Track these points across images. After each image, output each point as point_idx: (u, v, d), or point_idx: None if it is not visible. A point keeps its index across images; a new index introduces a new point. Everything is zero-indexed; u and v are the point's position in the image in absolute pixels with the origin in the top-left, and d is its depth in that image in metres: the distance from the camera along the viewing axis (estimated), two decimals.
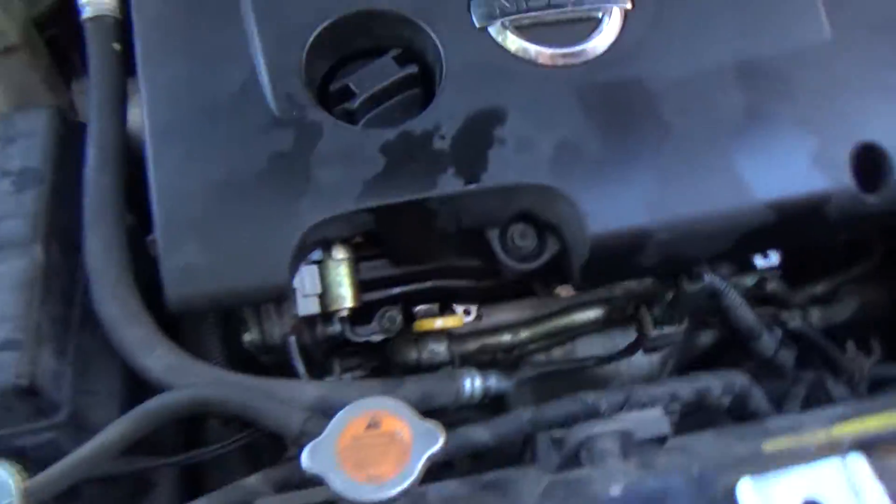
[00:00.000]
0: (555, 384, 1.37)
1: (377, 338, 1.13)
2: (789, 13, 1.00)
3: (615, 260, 0.93)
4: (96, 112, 0.97)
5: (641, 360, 1.37)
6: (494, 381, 1.08)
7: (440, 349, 1.21)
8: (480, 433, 0.88)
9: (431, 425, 0.69)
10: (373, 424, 0.68)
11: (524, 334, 1.22)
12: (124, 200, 0.92)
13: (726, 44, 0.97)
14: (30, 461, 0.89)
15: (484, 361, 1.28)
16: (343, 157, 0.90)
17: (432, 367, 1.22)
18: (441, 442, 0.68)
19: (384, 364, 1.33)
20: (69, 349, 0.90)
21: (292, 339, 0.95)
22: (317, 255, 0.96)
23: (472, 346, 1.22)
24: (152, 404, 0.76)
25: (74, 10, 1.12)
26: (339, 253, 0.97)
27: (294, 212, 0.88)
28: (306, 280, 0.94)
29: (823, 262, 1.24)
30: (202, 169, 0.89)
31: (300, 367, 0.94)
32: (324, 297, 0.96)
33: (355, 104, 0.96)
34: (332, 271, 0.96)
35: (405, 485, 0.64)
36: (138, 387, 1.07)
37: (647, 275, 1.02)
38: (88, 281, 0.86)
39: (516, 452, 0.95)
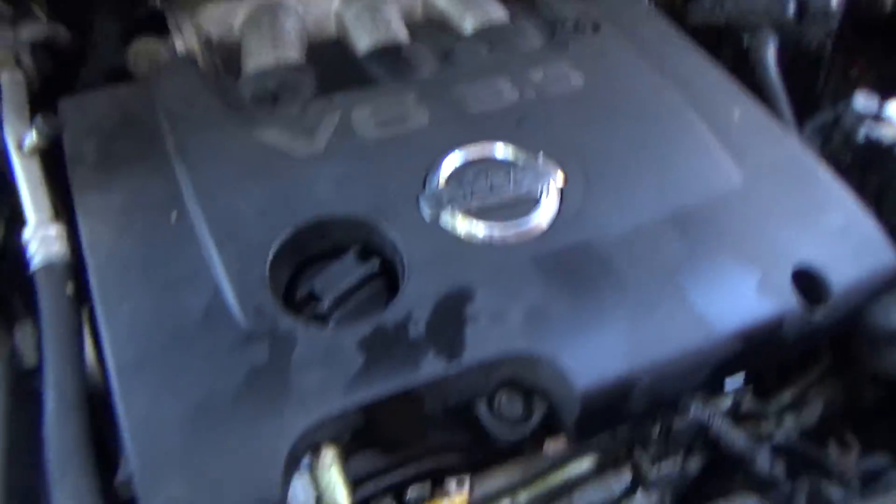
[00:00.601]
0: None
1: None
2: (703, 166, 1.12)
3: (606, 410, 0.93)
4: (54, 358, 0.93)
5: (641, 501, 1.33)
6: None
7: None
8: None
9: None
10: None
11: (522, 497, 1.18)
12: (93, 450, 0.87)
13: (654, 200, 1.08)
14: None
15: None
16: (321, 360, 0.90)
17: None
18: None
19: None
20: None
21: None
22: (306, 462, 0.92)
23: None
24: None
25: (12, 256, 1.12)
26: (328, 455, 0.93)
27: (279, 424, 0.85)
28: (299, 492, 0.88)
29: (777, 370, 1.29)
30: (176, 398, 0.86)
31: None
32: (319, 501, 0.90)
33: (324, 307, 0.97)
34: (323, 476, 0.91)
35: None
36: None
37: (638, 418, 1.02)
38: None
39: None
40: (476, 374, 0.92)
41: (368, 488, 1.02)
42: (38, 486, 0.86)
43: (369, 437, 0.95)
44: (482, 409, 0.95)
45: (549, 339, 0.94)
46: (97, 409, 0.91)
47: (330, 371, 0.89)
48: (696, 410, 1.01)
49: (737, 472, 1.21)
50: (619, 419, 1.00)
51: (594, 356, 0.93)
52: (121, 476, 0.88)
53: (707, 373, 0.99)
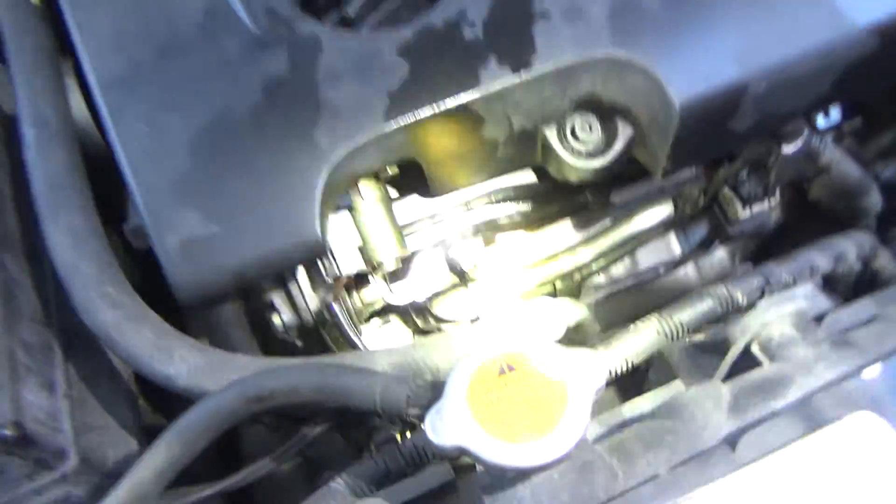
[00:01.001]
0: (620, 305, 1.23)
1: (420, 295, 0.96)
2: None
3: (706, 130, 0.76)
4: (24, 81, 0.75)
5: (711, 259, 1.22)
6: (573, 308, 0.92)
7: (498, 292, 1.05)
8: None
9: (584, 354, 0.53)
10: (506, 370, 0.50)
11: (586, 254, 1.06)
12: (85, 177, 0.72)
13: None
14: None
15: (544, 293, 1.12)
16: (355, 70, 0.71)
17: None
18: (603, 371, 0.51)
19: (425, 331, 1.17)
20: (57, 379, 0.71)
21: (335, 306, 0.77)
22: (345, 199, 0.78)
23: (531, 279, 1.06)
24: (196, 415, 0.58)
25: None
26: (372, 191, 0.78)
27: (312, 148, 0.69)
28: (340, 231, 0.75)
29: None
30: (179, 118, 0.69)
31: (354, 335, 0.76)
32: (364, 249, 0.78)
33: (353, 8, 0.76)
34: (367, 216, 0.78)
35: (576, 433, 0.47)
36: (157, 407, 0.89)
37: (740, 144, 0.85)
38: (63, 286, 0.66)
39: None
40: (548, 86, 0.74)
41: (417, 238, 0.90)
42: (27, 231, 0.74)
43: (413, 174, 0.80)
44: (552, 136, 0.78)
45: (641, 39, 0.73)
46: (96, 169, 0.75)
47: (368, 84, 0.71)
48: (809, 136, 0.84)
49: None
50: (721, 143, 0.82)
51: (697, 61, 0.73)
52: (131, 221, 0.74)
53: (831, 83, 0.79)
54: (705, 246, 1.07)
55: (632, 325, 0.72)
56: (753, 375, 0.58)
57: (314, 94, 0.70)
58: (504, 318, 0.79)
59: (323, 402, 0.59)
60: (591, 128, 0.78)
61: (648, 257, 1.20)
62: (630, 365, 0.70)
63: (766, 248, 1.26)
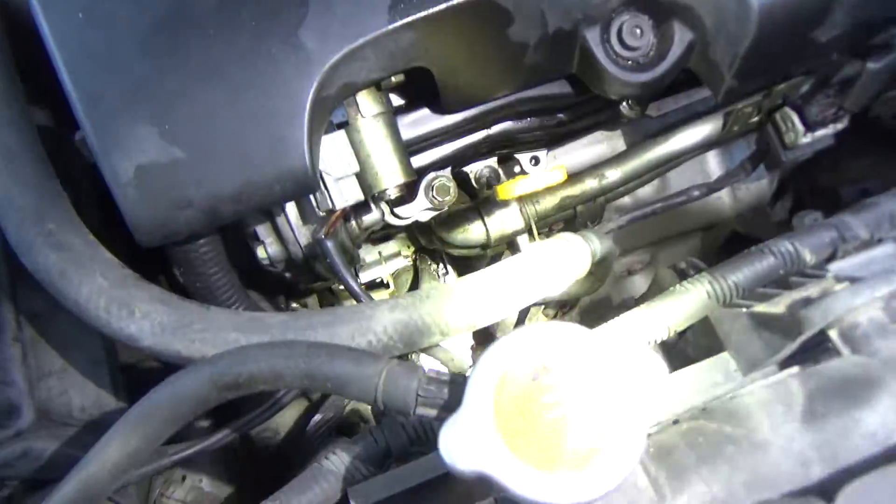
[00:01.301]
0: (645, 230, 1.12)
1: (426, 216, 0.84)
2: None
3: (786, 40, 0.62)
4: None
5: (750, 187, 1.10)
6: (598, 244, 0.80)
7: (513, 217, 0.93)
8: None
9: (642, 354, 0.41)
10: (540, 374, 0.39)
11: (613, 176, 0.93)
12: (16, 76, 0.58)
13: None
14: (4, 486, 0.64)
15: (563, 219, 1.00)
16: None
17: (501, 243, 0.94)
18: (662, 377, 0.40)
19: (429, 249, 1.06)
20: (5, 320, 0.61)
21: (329, 242, 0.65)
22: (338, 116, 0.65)
23: (549, 203, 0.94)
24: (156, 402, 0.47)
25: None
26: (372, 105, 0.65)
27: (297, 51, 0.54)
28: (334, 155, 0.62)
29: None
30: (127, 5, 0.54)
31: (350, 280, 0.65)
32: (362, 175, 0.65)
33: None
34: (366, 135, 0.65)
35: (628, 463, 0.37)
36: None
37: (822, 58, 0.70)
38: None
39: None
40: None
41: (422, 158, 0.77)
42: None
43: (422, 84, 0.66)
44: (594, 39, 0.63)
45: None
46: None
47: None
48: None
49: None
50: (796, 59, 0.67)
51: None
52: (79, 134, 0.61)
53: None
54: (747, 171, 0.94)
55: (678, 286, 0.61)
56: (831, 371, 0.47)
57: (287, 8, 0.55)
58: (524, 262, 0.67)
59: (311, 391, 0.49)
60: (641, 32, 0.64)
61: (680, 178, 1.08)
62: (673, 333, 0.59)
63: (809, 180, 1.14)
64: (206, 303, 0.67)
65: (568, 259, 0.72)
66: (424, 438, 0.53)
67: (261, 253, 0.71)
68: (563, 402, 0.39)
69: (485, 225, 0.94)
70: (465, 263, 1.08)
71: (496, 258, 1.02)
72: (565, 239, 0.74)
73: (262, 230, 0.68)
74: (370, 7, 0.55)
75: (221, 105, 0.54)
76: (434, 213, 0.85)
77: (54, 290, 0.53)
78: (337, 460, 0.51)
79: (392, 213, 0.81)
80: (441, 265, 1.11)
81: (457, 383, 0.43)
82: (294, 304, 1.12)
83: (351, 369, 0.46)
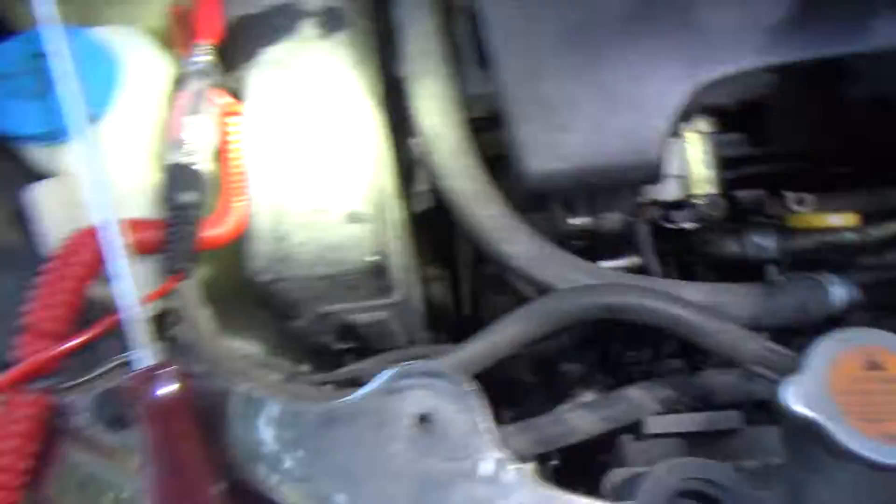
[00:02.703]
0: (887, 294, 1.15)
1: (691, 225, 0.95)
2: None
3: None
4: None
5: None
6: (850, 291, 0.87)
7: (769, 245, 1.02)
8: None
9: None
10: (872, 365, 0.51)
11: (875, 232, 0.99)
12: (449, 45, 0.76)
13: None
14: (355, 337, 0.82)
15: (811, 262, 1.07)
16: None
17: (755, 265, 1.03)
18: None
19: (682, 255, 1.16)
20: (400, 224, 0.79)
21: (644, 227, 0.79)
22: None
23: (806, 243, 1.02)
24: (554, 302, 0.63)
25: None
26: (703, 123, 0.77)
27: (675, 68, 0.68)
28: (673, 158, 0.76)
29: None
30: (551, 8, 0.70)
31: (654, 261, 0.78)
32: (683, 179, 0.78)
33: None
34: (691, 147, 0.77)
35: None
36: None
37: None
38: (424, 145, 0.72)
39: None
40: None
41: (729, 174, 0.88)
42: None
43: (750, 116, 0.77)
44: None
45: None
46: None
47: (748, 12, 0.68)
48: None
49: None
50: None
51: None
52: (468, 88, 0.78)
53: None
54: None
55: None
56: None
57: (690, 11, 0.68)
58: None
59: (671, 331, 0.62)
60: None
61: None
62: None
63: None
64: None
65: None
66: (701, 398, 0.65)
67: (573, 221, 0.85)
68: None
69: (743, 245, 1.03)
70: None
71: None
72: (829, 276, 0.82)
73: (579, 202, 0.83)
74: (743, 45, 0.67)
75: (607, 97, 0.69)
76: (698, 225, 0.96)
77: (460, 209, 0.70)
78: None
79: (666, 217, 0.93)
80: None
81: (790, 356, 0.55)
82: None
83: (709, 324, 0.60)
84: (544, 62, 0.69)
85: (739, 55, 0.67)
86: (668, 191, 0.76)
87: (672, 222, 0.93)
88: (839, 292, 0.82)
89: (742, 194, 0.97)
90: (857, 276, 1.00)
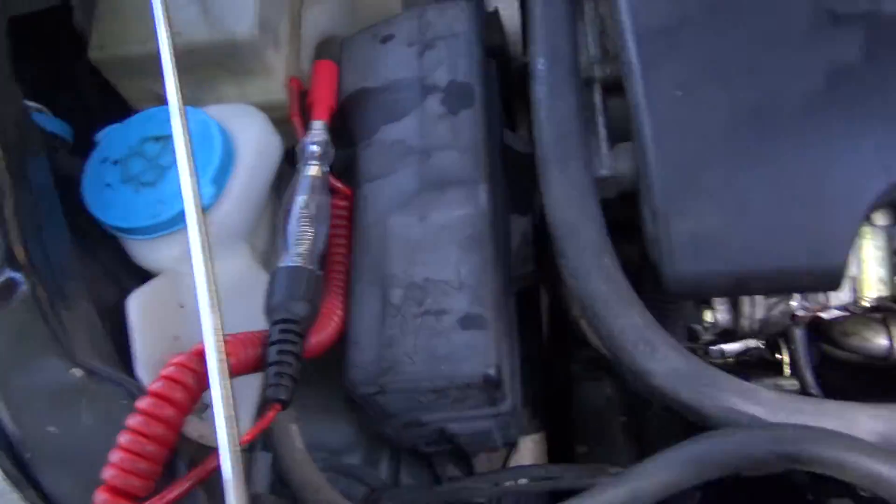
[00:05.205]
0: None
1: (836, 314, 0.83)
2: None
3: None
4: (541, 8, 0.72)
5: None
6: None
7: None
8: None
9: None
10: None
11: None
12: (584, 133, 0.68)
13: None
14: (449, 441, 0.74)
15: None
16: None
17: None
18: None
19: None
20: (511, 325, 0.71)
21: (800, 332, 0.68)
22: None
23: None
24: (719, 446, 0.53)
25: None
26: (883, 218, 0.66)
27: (870, 160, 0.58)
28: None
29: None
30: (721, 91, 0.61)
31: (811, 376, 0.67)
32: (856, 279, 0.67)
33: None
34: (868, 244, 0.66)
35: None
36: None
37: None
38: (556, 245, 0.63)
39: None
40: None
41: None
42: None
43: None
44: None
45: None
46: None
47: None
48: None
49: None
50: None
51: None
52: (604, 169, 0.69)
53: None
54: None
55: None
56: None
57: (888, 93, 0.58)
58: None
59: (868, 489, 0.51)
60: None
61: None
62: None
63: None
64: None
65: None
66: None
67: (708, 317, 0.75)
68: None
69: (891, 338, 0.91)
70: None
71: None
72: None
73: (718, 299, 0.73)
74: None
75: (782, 192, 0.59)
76: (844, 314, 0.84)
77: (595, 316, 0.61)
78: None
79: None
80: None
81: None
82: None
83: None
84: (709, 149, 0.60)
85: None
86: (837, 295, 0.65)
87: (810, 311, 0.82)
88: None
89: None
90: None
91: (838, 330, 0.94)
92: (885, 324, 0.92)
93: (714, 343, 0.86)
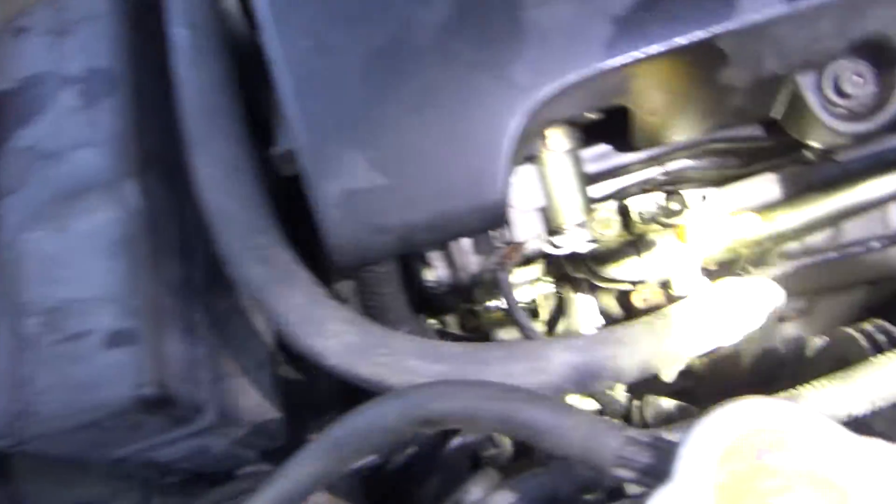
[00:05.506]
0: (815, 278, 1.05)
1: (584, 247, 0.82)
2: None
3: None
4: None
5: None
6: (772, 294, 0.76)
7: (673, 254, 0.90)
8: None
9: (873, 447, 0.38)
10: (769, 448, 0.37)
11: (789, 221, 0.88)
12: (239, 96, 0.61)
13: None
14: (173, 473, 0.67)
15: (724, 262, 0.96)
16: None
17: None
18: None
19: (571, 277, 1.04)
20: (197, 321, 0.64)
21: (505, 275, 0.65)
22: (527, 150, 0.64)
23: (716, 244, 0.90)
24: (351, 429, 0.48)
25: None
26: (562, 141, 0.64)
27: (508, 86, 0.54)
28: (522, 188, 0.62)
29: None
30: (352, 35, 0.56)
31: (524, 317, 0.64)
32: (545, 209, 0.64)
33: None
34: (552, 170, 0.64)
35: None
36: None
37: None
38: (208, 228, 0.57)
39: None
40: (826, 22, 0.55)
41: (593, 190, 0.76)
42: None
43: (613, 120, 0.64)
44: (809, 86, 0.60)
45: None
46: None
47: (587, 4, 0.55)
48: None
49: None
50: None
51: None
52: (281, 145, 0.63)
53: None
54: None
55: (882, 356, 0.56)
56: None
57: (518, 15, 0.55)
58: (709, 302, 0.64)
59: (505, 434, 0.48)
60: (863, 79, 0.59)
61: (856, 227, 1.00)
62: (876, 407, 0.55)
63: None
64: (378, 320, 0.69)
65: (748, 306, 0.68)
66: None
67: (429, 275, 0.72)
68: (792, 488, 0.37)
69: (643, 262, 0.91)
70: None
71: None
72: (744, 284, 0.70)
73: (433, 254, 0.69)
74: (586, 45, 0.54)
75: (428, 134, 0.55)
76: (593, 246, 0.83)
77: (256, 301, 0.55)
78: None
79: (549, 241, 0.80)
80: (580, 293, 1.08)
81: (660, 448, 0.41)
82: (430, 321, 1.13)
83: (548, 419, 0.45)
84: (348, 99, 0.55)
85: (584, 58, 0.54)
86: (527, 228, 0.62)
87: (560, 247, 0.81)
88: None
89: (636, 202, 0.86)
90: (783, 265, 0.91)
91: (595, 262, 0.95)
92: (637, 248, 0.93)
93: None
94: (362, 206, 0.54)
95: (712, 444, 0.37)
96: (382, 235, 0.55)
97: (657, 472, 0.41)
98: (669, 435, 0.56)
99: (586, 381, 0.57)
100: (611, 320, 1.02)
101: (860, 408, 0.55)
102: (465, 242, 0.68)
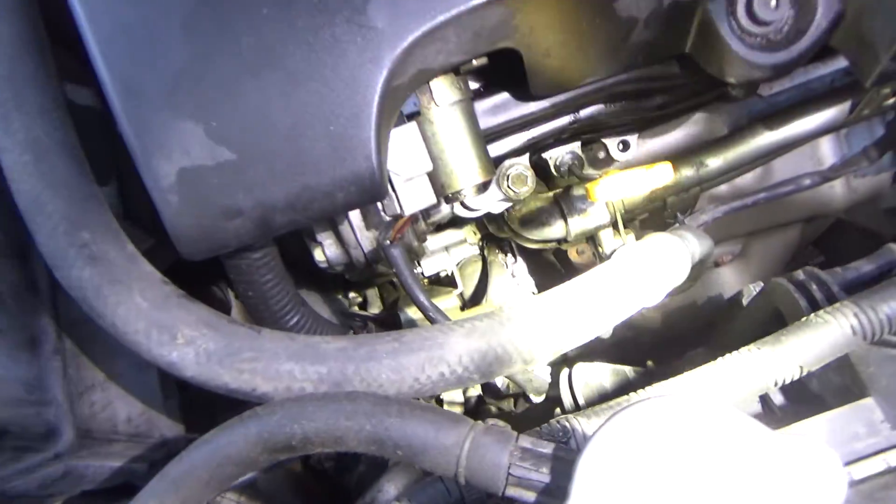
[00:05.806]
0: (744, 222, 1.00)
1: (499, 207, 0.75)
2: None
3: None
4: None
5: (869, 178, 0.96)
6: (696, 245, 0.70)
7: (597, 210, 0.83)
8: None
9: (820, 453, 0.32)
10: (665, 458, 0.31)
11: (713, 164, 0.82)
12: (51, 59, 0.51)
13: None
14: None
15: (651, 210, 0.90)
16: None
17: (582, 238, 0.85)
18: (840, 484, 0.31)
19: (497, 237, 0.97)
20: (44, 331, 0.55)
21: (396, 250, 0.57)
22: (409, 104, 0.56)
23: (638, 194, 0.84)
24: (194, 464, 0.40)
25: None
26: (449, 92, 0.56)
27: (366, 32, 0.45)
28: (404, 151, 0.54)
29: None
30: None
31: (419, 293, 0.57)
32: (435, 173, 0.56)
33: None
34: (440, 127, 0.56)
35: None
36: None
37: None
38: (25, 222, 0.47)
39: None
40: None
41: (499, 146, 0.68)
42: None
43: (505, 67, 0.56)
44: (719, 10, 0.53)
45: None
46: None
47: None
48: None
49: None
50: None
51: None
52: None
53: None
54: (871, 158, 0.82)
55: (813, 316, 0.51)
56: None
57: None
58: (617, 272, 0.58)
59: (380, 455, 0.41)
60: (777, 4, 0.52)
61: (786, 164, 0.95)
62: (805, 373, 0.50)
63: None
64: (259, 312, 0.61)
65: (666, 266, 0.62)
66: None
67: (318, 255, 0.64)
68: (695, 492, 0.31)
69: (564, 219, 0.85)
70: (536, 253, 0.99)
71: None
72: (661, 242, 0.64)
73: (321, 231, 0.61)
74: None
75: (275, 98, 0.46)
76: (509, 205, 0.76)
77: (89, 308, 0.46)
78: None
79: (462, 204, 0.73)
80: (510, 255, 1.02)
81: (560, 459, 0.35)
82: (352, 295, 1.05)
83: (427, 435, 0.38)
84: (168, 59, 0.45)
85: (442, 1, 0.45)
86: (415, 199, 0.54)
87: (474, 210, 0.74)
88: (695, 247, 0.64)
89: (553, 154, 0.79)
90: (713, 210, 0.85)
91: (516, 223, 0.88)
92: (558, 204, 0.86)
93: None
94: (204, 186, 0.45)
95: (603, 459, 0.31)
96: (234, 219, 0.46)
97: (553, 490, 0.34)
98: (590, 421, 0.51)
99: (492, 369, 0.50)
100: (549, 276, 0.96)
101: (789, 373, 0.49)
102: (355, 217, 0.60)
